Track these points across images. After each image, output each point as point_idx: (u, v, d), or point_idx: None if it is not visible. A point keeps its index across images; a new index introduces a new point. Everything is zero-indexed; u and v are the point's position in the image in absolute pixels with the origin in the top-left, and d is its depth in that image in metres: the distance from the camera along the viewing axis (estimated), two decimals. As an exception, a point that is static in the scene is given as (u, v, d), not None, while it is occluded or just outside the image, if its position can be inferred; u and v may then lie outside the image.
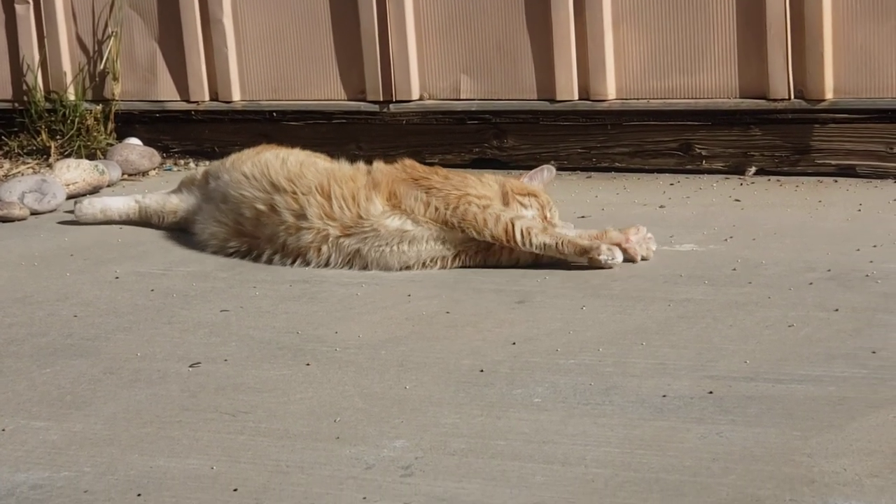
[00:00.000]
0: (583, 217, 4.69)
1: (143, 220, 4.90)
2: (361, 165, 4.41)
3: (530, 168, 5.27)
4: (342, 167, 4.42)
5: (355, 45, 5.68)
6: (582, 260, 4.06)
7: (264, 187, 4.33)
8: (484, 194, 4.21)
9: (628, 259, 4.09)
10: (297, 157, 4.51)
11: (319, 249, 4.24)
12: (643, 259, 4.10)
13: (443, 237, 4.17)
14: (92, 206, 4.97)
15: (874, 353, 3.21)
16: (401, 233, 4.17)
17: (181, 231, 4.75)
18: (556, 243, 4.07)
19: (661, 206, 4.79)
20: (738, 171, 5.15)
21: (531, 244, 4.08)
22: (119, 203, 4.97)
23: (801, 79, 5.01)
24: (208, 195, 4.61)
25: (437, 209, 4.16)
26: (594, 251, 4.04)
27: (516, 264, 4.13)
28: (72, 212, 5.10)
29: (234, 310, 3.91)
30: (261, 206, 4.32)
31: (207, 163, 5.50)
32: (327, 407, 3.12)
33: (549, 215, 4.25)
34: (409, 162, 4.38)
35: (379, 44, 5.61)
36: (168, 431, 3.03)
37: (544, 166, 4.47)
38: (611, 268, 4.03)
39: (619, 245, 4.07)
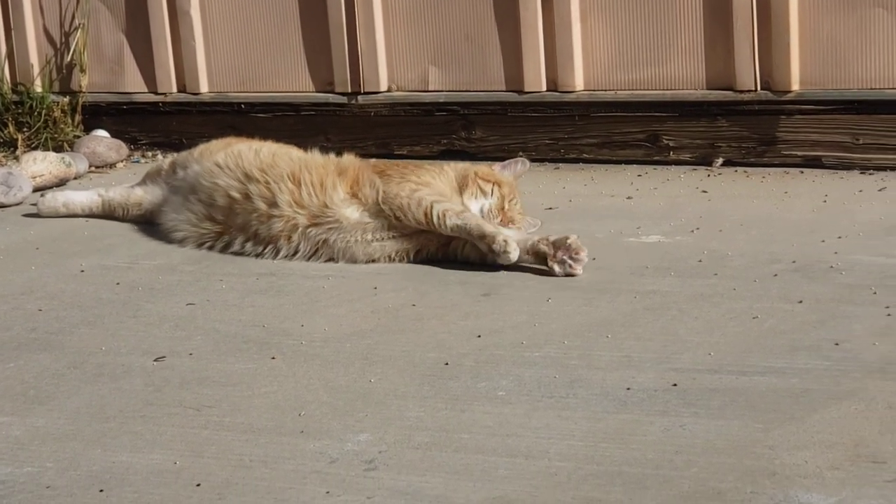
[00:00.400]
0: (550, 209, 4.69)
1: (107, 214, 4.89)
2: (335, 156, 4.42)
3: (498, 160, 5.26)
4: (315, 156, 4.42)
5: (323, 37, 5.67)
6: (483, 246, 4.05)
7: (238, 177, 4.33)
8: (426, 181, 4.20)
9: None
10: (270, 148, 4.50)
11: (290, 238, 4.24)
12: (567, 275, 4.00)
13: (399, 228, 4.16)
14: (55, 200, 4.95)
15: (837, 344, 3.22)
16: (362, 224, 4.17)
17: (147, 224, 4.74)
18: (466, 224, 4.06)
19: (629, 198, 4.80)
20: (706, 162, 5.16)
21: (445, 225, 4.07)
22: (82, 197, 4.95)
23: (767, 70, 5.02)
24: (176, 186, 4.60)
25: (378, 196, 4.17)
26: (489, 238, 4.03)
27: (483, 261, 4.10)
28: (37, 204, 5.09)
29: (200, 303, 3.90)
30: (234, 194, 4.31)
31: (174, 154, 5.48)
32: (292, 401, 3.11)
33: (506, 206, 4.24)
34: (385, 161, 4.42)
35: (347, 35, 5.61)
36: (131, 426, 3.03)
37: (518, 158, 4.47)
38: (505, 263, 3.99)
39: (544, 255, 4.03)
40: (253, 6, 5.78)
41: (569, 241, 3.94)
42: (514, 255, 3.98)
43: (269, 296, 3.93)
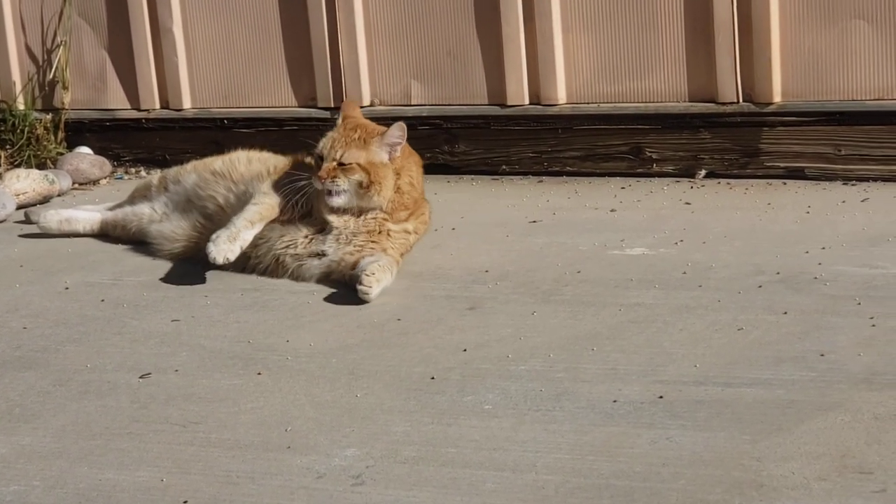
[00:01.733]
0: (534, 222, 4.70)
1: (105, 232, 4.83)
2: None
3: (482, 173, 5.31)
4: (287, 158, 4.45)
5: (306, 52, 5.67)
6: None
7: (227, 184, 4.36)
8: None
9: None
10: (262, 155, 4.53)
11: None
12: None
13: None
14: (58, 215, 4.90)
15: (822, 355, 3.23)
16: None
17: (136, 242, 4.71)
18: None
19: (613, 210, 4.81)
20: (689, 174, 5.17)
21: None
22: (85, 215, 4.89)
23: (749, 82, 5.04)
24: (169, 199, 4.58)
25: None
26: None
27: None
28: (23, 221, 5.08)
29: (185, 319, 3.89)
30: (221, 201, 4.34)
31: (159, 171, 5.47)
32: (278, 416, 3.11)
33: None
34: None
35: (329, 50, 5.61)
36: (117, 443, 3.02)
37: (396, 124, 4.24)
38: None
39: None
40: (235, 22, 5.78)
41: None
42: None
43: (254, 311, 3.93)
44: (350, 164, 4.08)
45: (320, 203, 4.13)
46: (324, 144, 4.14)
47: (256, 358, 3.53)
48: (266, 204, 4.17)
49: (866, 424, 2.81)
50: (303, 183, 4.12)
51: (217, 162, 4.53)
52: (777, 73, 4.99)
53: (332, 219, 4.12)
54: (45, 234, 4.90)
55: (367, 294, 3.90)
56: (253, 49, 5.77)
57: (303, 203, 4.17)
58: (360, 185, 4.08)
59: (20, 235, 4.98)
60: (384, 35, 5.55)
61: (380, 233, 4.13)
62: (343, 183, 4.08)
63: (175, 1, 5.84)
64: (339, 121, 4.23)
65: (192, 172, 4.56)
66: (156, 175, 4.89)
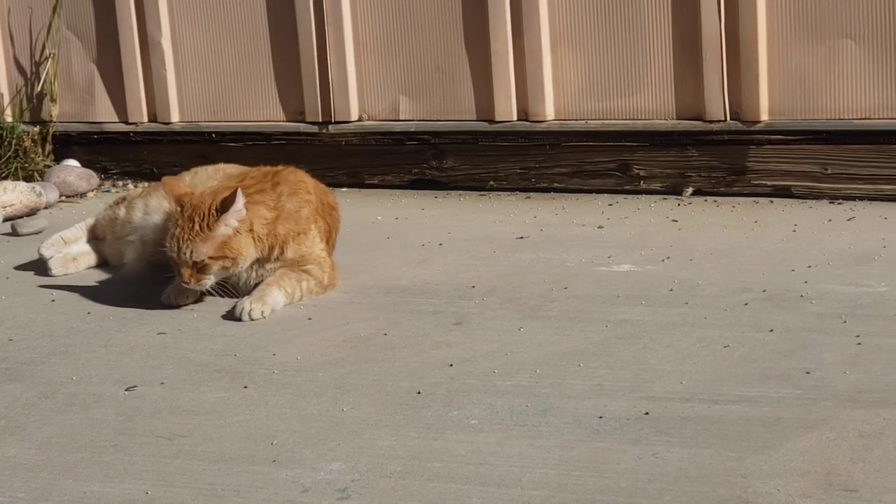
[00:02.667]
0: (522, 238, 4.70)
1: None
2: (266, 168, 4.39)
3: (470, 189, 5.32)
4: (243, 169, 4.45)
5: (294, 67, 5.68)
6: None
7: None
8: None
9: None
10: (227, 169, 4.51)
11: None
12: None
13: None
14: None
15: (808, 373, 3.24)
16: None
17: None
18: None
19: (600, 227, 4.81)
20: (676, 191, 5.18)
21: None
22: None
23: (736, 100, 5.05)
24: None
25: None
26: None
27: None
28: (9, 233, 5.09)
29: (171, 332, 3.89)
30: None
31: (147, 183, 5.47)
32: (264, 429, 3.11)
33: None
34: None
35: (318, 65, 5.61)
36: (102, 456, 3.01)
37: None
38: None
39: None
40: (224, 36, 5.78)
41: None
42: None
43: (241, 325, 3.92)
44: (202, 260, 3.95)
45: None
46: (171, 246, 3.96)
47: (243, 371, 3.52)
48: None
49: (851, 442, 2.82)
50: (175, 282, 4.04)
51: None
52: (764, 91, 5.01)
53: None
54: (30, 245, 4.89)
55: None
56: (242, 63, 5.77)
57: None
58: (222, 268, 4.00)
59: (6, 247, 4.97)
60: (373, 50, 5.56)
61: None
62: (208, 280, 3.98)
63: (164, 14, 5.84)
64: (174, 207, 4.02)
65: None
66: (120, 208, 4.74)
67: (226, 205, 3.96)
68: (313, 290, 4.12)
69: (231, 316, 3.97)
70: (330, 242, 4.34)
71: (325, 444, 3.00)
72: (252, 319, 3.94)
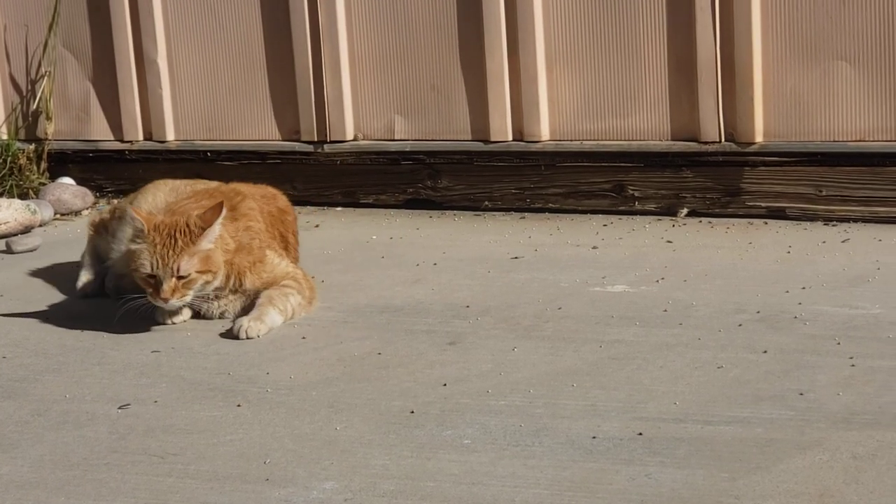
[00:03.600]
0: (516, 258, 4.70)
1: None
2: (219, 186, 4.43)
3: (465, 209, 5.32)
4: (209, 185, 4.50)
5: (290, 86, 5.69)
6: None
7: None
8: None
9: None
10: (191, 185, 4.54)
11: None
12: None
13: None
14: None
15: (801, 394, 3.24)
16: None
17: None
18: None
19: (594, 247, 4.81)
20: (671, 212, 5.18)
21: None
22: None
23: (731, 122, 5.06)
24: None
25: None
26: None
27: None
28: (4, 251, 5.09)
29: (165, 351, 3.88)
30: None
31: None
32: (257, 448, 3.11)
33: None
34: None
35: (314, 84, 5.62)
36: (95, 474, 3.01)
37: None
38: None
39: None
40: (220, 55, 5.79)
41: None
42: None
43: (235, 343, 3.92)
44: (188, 274, 3.96)
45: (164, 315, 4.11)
46: (152, 265, 3.93)
47: (236, 390, 3.52)
48: None
49: (845, 464, 2.82)
50: (141, 302, 4.02)
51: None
52: (759, 113, 5.02)
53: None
54: (24, 262, 4.90)
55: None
56: (237, 81, 5.78)
57: None
58: (204, 283, 4.01)
59: (0, 265, 4.97)
60: (368, 69, 5.57)
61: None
62: (189, 296, 3.99)
63: (160, 32, 5.85)
64: (145, 229, 3.98)
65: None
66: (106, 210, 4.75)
67: (209, 220, 3.98)
68: (301, 305, 4.13)
69: (229, 334, 3.98)
70: (291, 249, 4.39)
71: (319, 463, 3.00)
72: (249, 338, 3.95)
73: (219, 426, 3.26)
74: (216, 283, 4.05)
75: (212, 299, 4.10)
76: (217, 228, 4.00)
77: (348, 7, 5.55)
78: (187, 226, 3.98)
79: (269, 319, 4.01)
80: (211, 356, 3.82)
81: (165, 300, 3.95)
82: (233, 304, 4.15)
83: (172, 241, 3.95)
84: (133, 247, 4.01)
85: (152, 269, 3.95)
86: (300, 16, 5.59)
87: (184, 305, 4.04)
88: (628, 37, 5.16)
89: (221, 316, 4.14)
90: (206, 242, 3.98)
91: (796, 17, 4.92)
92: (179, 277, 3.95)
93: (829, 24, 4.89)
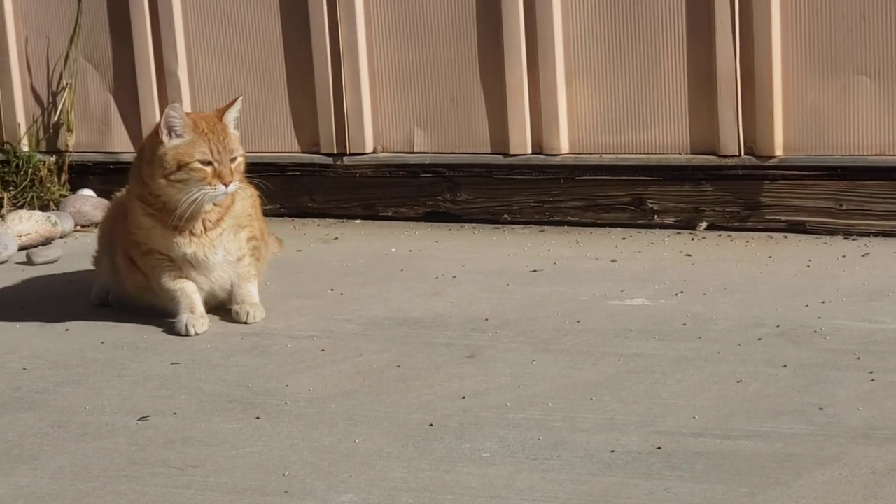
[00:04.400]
0: (535, 271, 4.70)
1: None
2: None
3: (484, 222, 5.32)
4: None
5: (310, 98, 5.70)
6: None
7: None
8: None
9: None
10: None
11: None
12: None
13: None
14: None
15: (821, 409, 3.23)
16: None
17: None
18: None
19: (613, 261, 4.81)
20: (690, 226, 5.18)
21: None
22: None
23: (751, 135, 5.06)
24: None
25: None
26: None
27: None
28: (24, 262, 5.11)
29: (184, 363, 3.89)
30: None
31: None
32: (276, 460, 3.11)
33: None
34: None
35: (333, 96, 5.63)
36: (115, 486, 3.02)
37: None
38: None
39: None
40: (240, 67, 5.80)
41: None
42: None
43: (254, 356, 3.93)
44: (237, 157, 4.16)
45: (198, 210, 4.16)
46: (210, 150, 4.06)
47: (255, 402, 3.53)
48: None
49: (864, 479, 2.81)
50: (198, 195, 4.08)
51: None
52: (779, 126, 5.01)
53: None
54: (44, 274, 4.92)
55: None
56: (257, 94, 5.79)
57: None
58: (241, 171, 4.22)
59: (21, 277, 4.99)
60: (388, 82, 5.58)
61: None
62: (237, 180, 4.17)
63: (181, 45, 5.87)
64: (187, 123, 4.09)
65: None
66: None
67: (226, 109, 4.18)
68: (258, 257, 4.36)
69: (236, 321, 4.23)
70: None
71: (337, 476, 3.00)
72: (256, 321, 4.23)
73: (238, 438, 3.27)
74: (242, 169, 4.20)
75: (210, 228, 4.20)
76: (235, 112, 4.18)
77: (368, 20, 5.56)
78: (214, 117, 4.17)
79: (255, 297, 4.29)
80: (230, 368, 3.82)
81: (229, 183, 4.09)
82: (226, 237, 4.23)
83: (215, 128, 4.11)
84: (179, 141, 4.09)
85: (212, 154, 4.07)
86: (320, 28, 5.61)
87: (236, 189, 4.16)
88: (648, 50, 5.16)
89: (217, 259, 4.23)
90: (231, 126, 4.17)
91: (816, 31, 4.92)
92: (232, 160, 4.11)
93: (850, 38, 4.88)
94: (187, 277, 4.23)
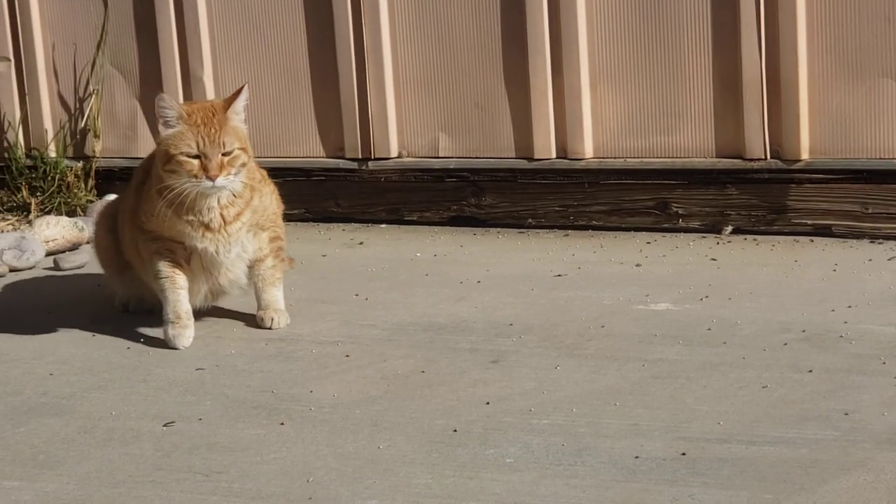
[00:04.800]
0: (559, 275, 4.70)
1: None
2: None
3: (508, 227, 5.31)
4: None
5: (334, 103, 5.71)
6: None
7: None
8: None
9: None
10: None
11: None
12: None
13: None
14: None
15: (846, 414, 3.22)
16: None
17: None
18: None
19: (638, 265, 4.81)
20: (715, 229, 5.17)
21: None
22: None
23: (777, 139, 5.04)
24: None
25: None
26: None
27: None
28: (51, 268, 5.13)
29: (209, 368, 3.91)
30: None
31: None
32: (301, 466, 3.12)
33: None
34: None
35: (358, 101, 5.64)
36: (140, 491, 3.03)
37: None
38: None
39: None
40: (265, 73, 5.82)
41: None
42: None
43: (278, 361, 3.94)
44: (232, 150, 4.04)
45: (201, 202, 4.06)
46: (197, 143, 3.96)
47: (280, 408, 3.53)
48: None
49: (889, 485, 2.81)
50: (186, 187, 3.99)
51: None
52: (805, 130, 5.00)
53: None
54: (71, 279, 4.94)
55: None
56: (282, 99, 5.81)
57: None
58: (241, 166, 4.08)
59: (49, 282, 5.01)
60: (413, 87, 5.58)
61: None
62: (231, 175, 4.03)
63: (206, 51, 5.89)
64: (180, 114, 4.01)
65: None
66: None
67: (232, 99, 4.09)
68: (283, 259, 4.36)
69: (260, 326, 4.24)
70: None
71: (362, 482, 3.01)
72: (280, 327, 4.24)
73: (262, 444, 3.27)
74: (249, 164, 4.11)
75: (230, 222, 4.11)
76: (242, 101, 4.09)
77: (393, 25, 5.57)
78: (213, 108, 4.07)
79: (281, 304, 4.29)
80: (255, 374, 3.83)
81: (214, 177, 3.97)
82: (243, 235, 4.17)
83: (210, 120, 4.01)
84: (171, 131, 4.03)
85: (198, 147, 3.98)
86: (345, 33, 5.62)
87: (227, 186, 4.04)
88: (673, 54, 5.15)
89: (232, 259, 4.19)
90: (236, 117, 4.08)
91: (842, 35, 4.91)
92: (224, 154, 4.00)
93: (875, 42, 4.86)
94: (188, 269, 4.17)
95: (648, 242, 5.13)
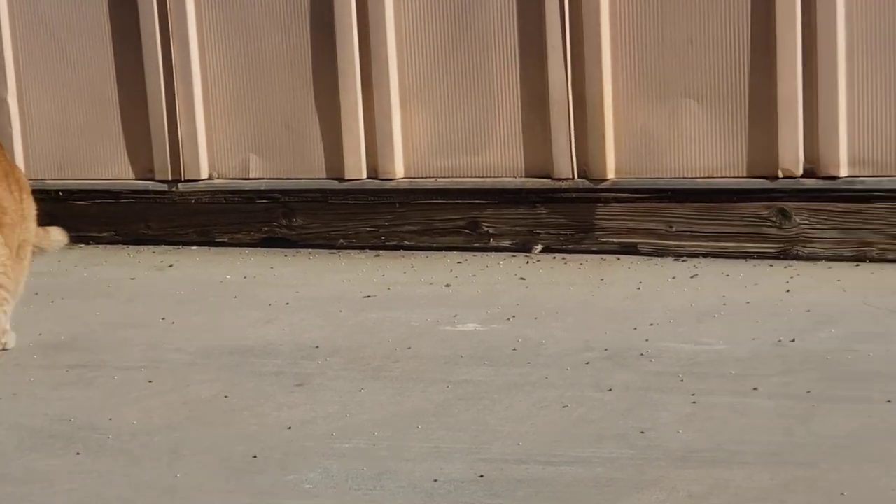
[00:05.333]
0: (368, 297, 4.69)
1: None
2: None
3: (319, 247, 5.28)
4: None
5: (143, 124, 5.63)
6: None
7: None
8: None
9: None
10: None
11: None
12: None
13: None
14: None
15: (643, 432, 3.26)
16: None
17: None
18: None
19: (448, 285, 4.82)
20: (525, 248, 5.21)
21: None
22: None
23: (584, 159, 5.10)
24: None
25: None
26: None
27: None
28: None
29: (6, 397, 3.81)
30: None
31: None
32: (94, 498, 3.05)
33: None
34: None
35: (167, 122, 5.57)
36: (-75, 528, 2.94)
37: None
38: None
39: None
40: (71, 93, 5.72)
41: None
42: None
43: (79, 388, 3.86)
44: None
45: None
46: None
47: (77, 437, 3.46)
48: None
49: (680, 502, 2.84)
50: None
51: None
52: (611, 149, 5.06)
53: None
54: None
55: None
56: (89, 119, 5.71)
57: None
58: None
59: None
60: (222, 107, 5.53)
61: None
62: None
63: (10, 71, 5.77)
64: None
65: None
66: None
67: None
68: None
69: None
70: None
71: (156, 512, 2.95)
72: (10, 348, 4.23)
73: (56, 476, 3.20)
74: None
75: None
76: None
77: (202, 45, 5.52)
78: None
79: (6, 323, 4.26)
80: (54, 402, 3.75)
81: None
82: None
83: None
84: None
85: None
86: (153, 55, 5.55)
87: None
88: (481, 74, 5.18)
89: None
90: None
91: (645, 57, 4.98)
92: None
93: (677, 62, 4.95)
94: None
95: (459, 262, 5.15)
